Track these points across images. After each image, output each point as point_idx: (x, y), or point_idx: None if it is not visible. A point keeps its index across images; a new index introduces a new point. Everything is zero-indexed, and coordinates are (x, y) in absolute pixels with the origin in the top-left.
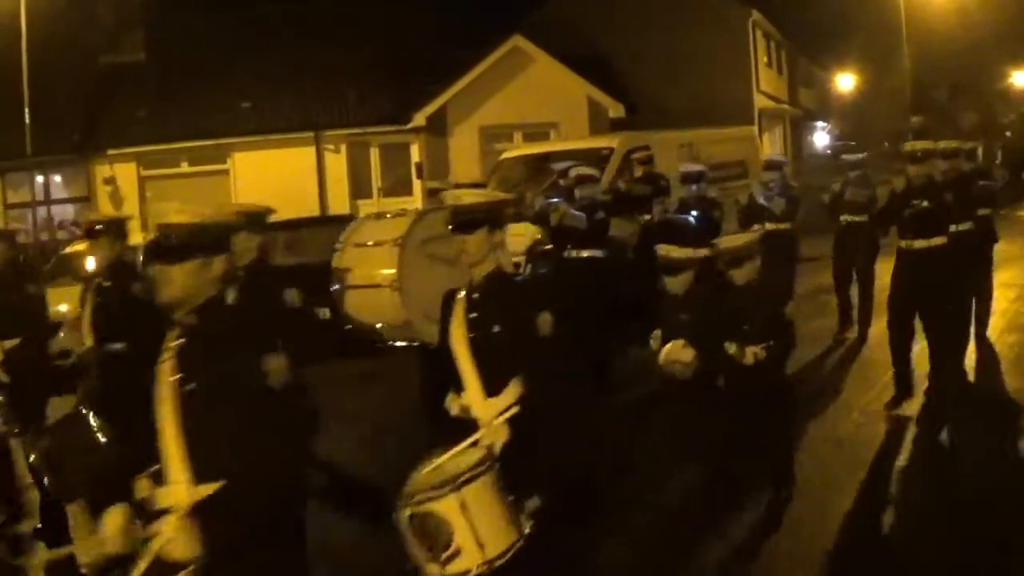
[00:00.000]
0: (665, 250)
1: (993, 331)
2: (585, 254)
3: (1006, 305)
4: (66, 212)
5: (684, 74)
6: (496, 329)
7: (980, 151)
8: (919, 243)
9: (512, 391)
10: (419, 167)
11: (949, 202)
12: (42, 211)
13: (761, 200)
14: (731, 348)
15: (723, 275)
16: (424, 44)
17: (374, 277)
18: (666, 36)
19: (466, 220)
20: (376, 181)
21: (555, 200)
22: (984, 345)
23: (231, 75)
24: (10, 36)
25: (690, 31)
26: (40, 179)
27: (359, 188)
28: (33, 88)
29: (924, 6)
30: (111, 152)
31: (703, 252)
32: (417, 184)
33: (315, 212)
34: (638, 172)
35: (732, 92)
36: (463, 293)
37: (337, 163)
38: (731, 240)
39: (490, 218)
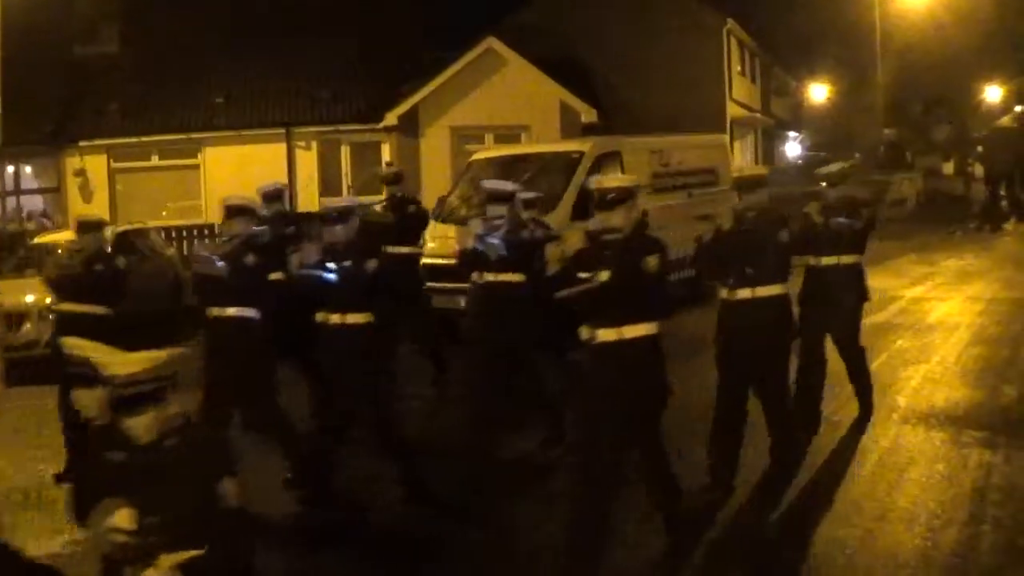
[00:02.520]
0: (73, 346)
1: (959, 343)
2: (231, 312)
3: (971, 319)
4: (35, 203)
5: (657, 81)
6: None
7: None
8: (605, 334)
9: None
10: (390, 166)
11: (652, 269)
12: (12, 201)
13: (474, 242)
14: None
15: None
16: (399, 44)
17: None
18: (641, 42)
19: None
20: (347, 179)
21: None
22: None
23: (205, 69)
24: None
25: (664, 38)
26: (11, 169)
27: (329, 186)
28: (6, 78)
29: (899, 20)
30: (82, 144)
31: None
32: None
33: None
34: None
35: (705, 100)
36: None
37: (308, 160)
38: (124, 363)
39: None
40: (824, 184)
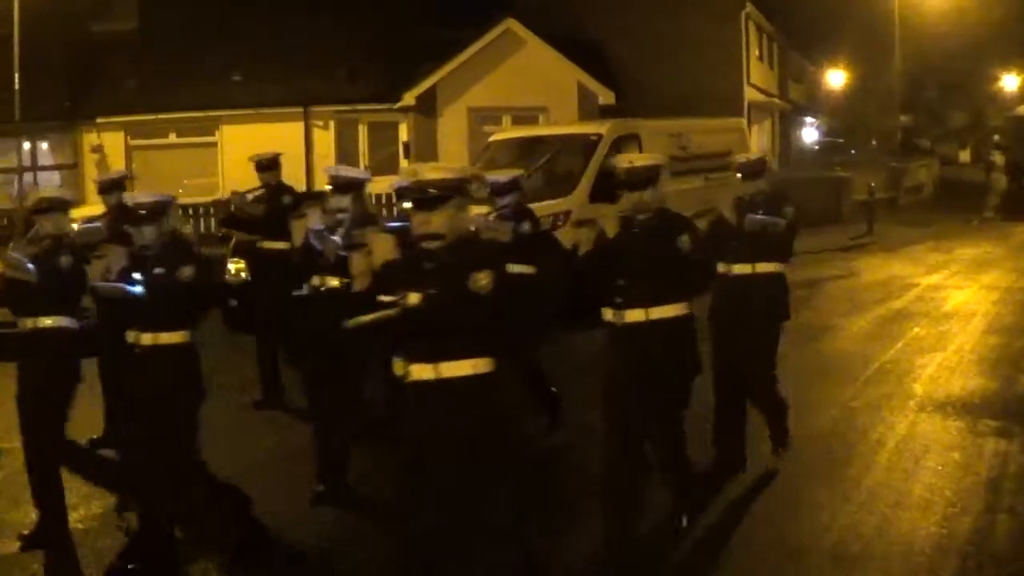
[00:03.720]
0: None
1: (975, 332)
2: (47, 322)
3: (987, 307)
4: (52, 180)
5: (675, 64)
6: None
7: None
8: (419, 371)
9: None
10: (407, 146)
11: (482, 288)
12: (28, 177)
13: (313, 240)
14: None
15: None
16: (417, 23)
17: None
18: (659, 25)
19: None
20: (364, 159)
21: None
22: None
23: (223, 47)
24: (2, 1)
25: (683, 21)
26: (27, 145)
27: (341, 164)
28: (23, 53)
29: (917, 6)
30: (100, 120)
31: None
32: (404, 164)
33: (302, 187)
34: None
35: (722, 83)
36: None
37: (325, 139)
38: None
39: None
40: (739, 176)
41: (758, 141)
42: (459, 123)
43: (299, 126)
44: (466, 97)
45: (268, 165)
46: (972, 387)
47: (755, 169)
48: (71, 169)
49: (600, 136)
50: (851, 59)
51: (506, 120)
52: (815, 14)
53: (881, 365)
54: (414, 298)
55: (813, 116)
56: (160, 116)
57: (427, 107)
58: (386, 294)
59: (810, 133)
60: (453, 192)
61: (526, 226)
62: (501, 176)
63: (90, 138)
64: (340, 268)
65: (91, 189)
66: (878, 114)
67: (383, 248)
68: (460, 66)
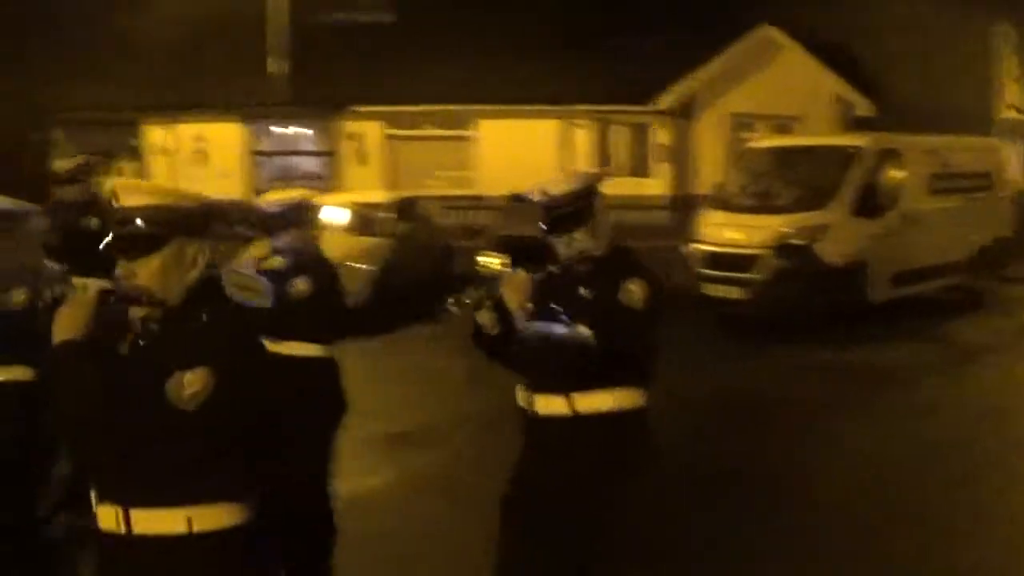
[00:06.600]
0: None
1: None
2: None
3: None
4: (308, 166)
5: (927, 78)
6: None
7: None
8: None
9: None
10: (663, 149)
11: None
12: (289, 161)
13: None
14: None
15: None
16: (671, 25)
17: None
18: (916, 38)
19: None
20: (617, 160)
21: None
22: None
23: (481, 43)
24: None
25: (937, 35)
26: (283, 130)
27: (601, 165)
28: (284, 39)
29: None
30: (358, 109)
31: None
32: (656, 167)
33: None
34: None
35: (976, 102)
36: None
37: (581, 139)
38: None
39: None
40: (543, 224)
41: (1010, 163)
42: (714, 128)
43: (555, 124)
44: (722, 102)
45: (68, 178)
46: None
47: (569, 206)
48: (328, 156)
49: (859, 149)
50: None
51: (760, 127)
52: None
53: None
54: None
55: None
56: (418, 108)
57: (684, 111)
58: None
59: None
60: None
61: (300, 284)
62: (275, 199)
63: (347, 126)
64: None
65: (349, 176)
66: None
67: None
68: (717, 71)
